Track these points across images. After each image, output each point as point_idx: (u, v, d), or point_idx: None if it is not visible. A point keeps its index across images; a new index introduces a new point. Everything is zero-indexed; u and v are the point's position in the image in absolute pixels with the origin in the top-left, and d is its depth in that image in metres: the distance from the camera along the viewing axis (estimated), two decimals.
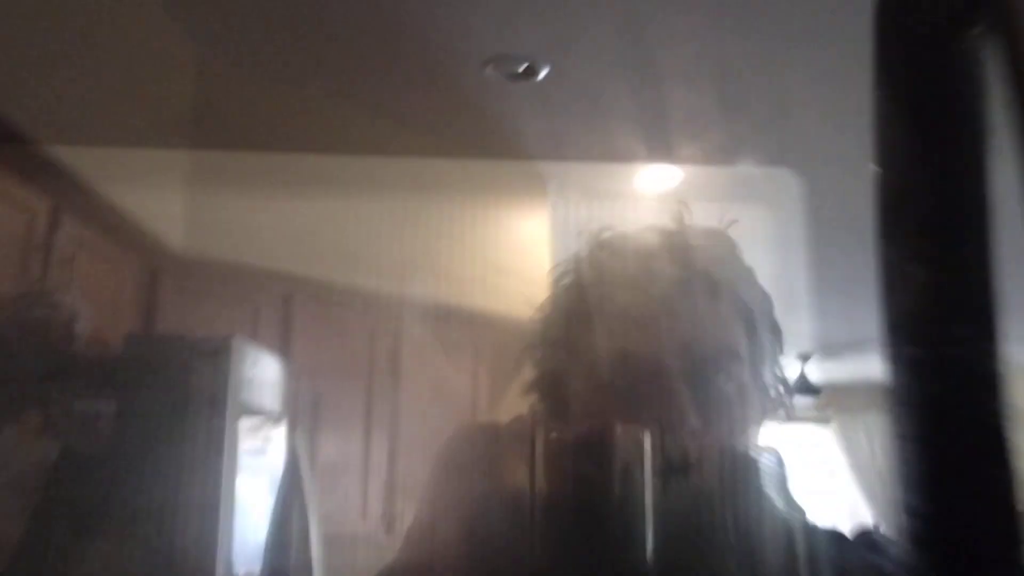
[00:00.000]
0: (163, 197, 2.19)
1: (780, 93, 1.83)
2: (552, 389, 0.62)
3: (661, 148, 2.03)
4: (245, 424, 1.79)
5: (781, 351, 0.61)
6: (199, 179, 2.26)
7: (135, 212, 1.88)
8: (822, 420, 5.47)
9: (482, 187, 2.57)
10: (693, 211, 0.59)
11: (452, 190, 2.51)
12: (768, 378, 0.60)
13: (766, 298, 0.61)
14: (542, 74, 2.09)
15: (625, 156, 2.09)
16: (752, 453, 0.53)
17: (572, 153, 2.34)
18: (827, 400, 5.28)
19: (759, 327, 0.59)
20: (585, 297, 0.60)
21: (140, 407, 1.45)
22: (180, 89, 2.08)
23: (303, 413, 1.98)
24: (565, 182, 2.33)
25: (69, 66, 1.75)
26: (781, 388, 0.61)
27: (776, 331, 0.61)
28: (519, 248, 2.67)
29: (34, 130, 1.60)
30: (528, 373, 0.63)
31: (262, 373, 1.72)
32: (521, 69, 2.08)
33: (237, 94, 2.19)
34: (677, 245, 0.59)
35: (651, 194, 2.26)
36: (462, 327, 2.52)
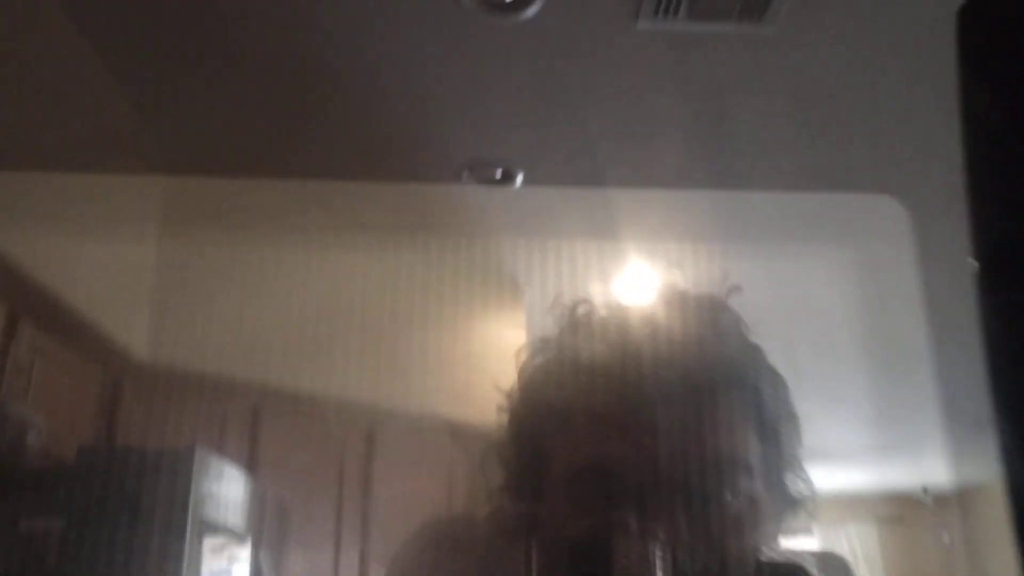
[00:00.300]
0: (127, 304, 2.13)
1: (873, 109, 1.64)
2: (524, 495, 0.52)
3: (728, 175, 1.83)
4: (208, 543, 1.68)
5: (800, 443, 0.52)
6: (165, 286, 2.21)
7: (98, 320, 1.82)
8: (804, 531, 5.34)
9: (457, 292, 2.54)
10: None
11: (425, 296, 2.47)
12: (786, 478, 0.51)
13: (779, 382, 0.52)
14: (519, 180, 2.09)
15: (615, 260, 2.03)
16: (802, 566, 0.45)
17: (549, 257, 2.32)
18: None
19: (772, 421, 0.51)
20: (558, 385, 0.51)
21: (91, 524, 1.36)
22: (148, 188, 2.05)
23: (270, 530, 1.88)
24: (542, 285, 2.30)
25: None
26: (801, 487, 0.52)
27: (793, 420, 0.52)
28: (495, 355, 2.61)
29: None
30: (495, 476, 0.54)
31: (227, 487, 1.63)
32: (498, 175, 2.07)
33: (206, 197, 2.16)
34: (667, 321, 0.51)
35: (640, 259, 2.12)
36: (435, 437, 2.44)
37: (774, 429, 0.49)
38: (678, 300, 0.51)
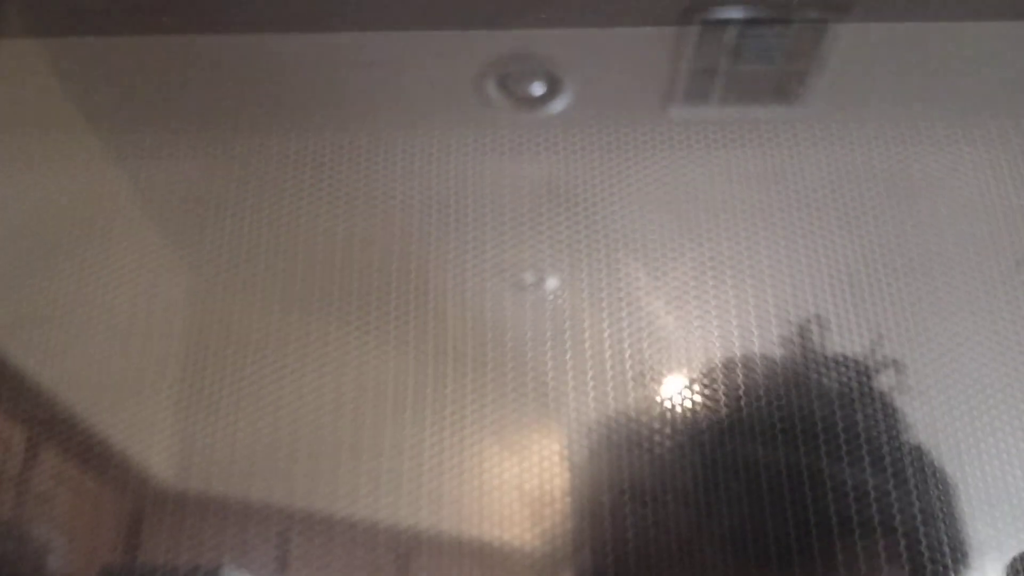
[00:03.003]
0: (151, 428, 2.07)
1: None
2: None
3: None
4: None
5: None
6: (189, 410, 2.15)
7: (120, 444, 1.76)
8: None
9: (491, 408, 2.45)
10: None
11: (460, 412, 2.40)
12: None
13: (949, 487, 0.34)
14: (549, 284, 2.05)
15: None
16: None
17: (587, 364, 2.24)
18: None
19: (935, 556, 0.33)
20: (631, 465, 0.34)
21: None
22: (169, 318, 2.02)
23: None
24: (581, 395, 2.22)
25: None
26: None
27: (962, 552, 0.34)
28: (531, 474, 2.51)
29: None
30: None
31: None
32: (527, 280, 2.04)
33: (227, 325, 2.12)
34: (804, 392, 0.33)
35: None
36: (474, 562, 2.33)
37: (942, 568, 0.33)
38: (816, 361, 0.35)
